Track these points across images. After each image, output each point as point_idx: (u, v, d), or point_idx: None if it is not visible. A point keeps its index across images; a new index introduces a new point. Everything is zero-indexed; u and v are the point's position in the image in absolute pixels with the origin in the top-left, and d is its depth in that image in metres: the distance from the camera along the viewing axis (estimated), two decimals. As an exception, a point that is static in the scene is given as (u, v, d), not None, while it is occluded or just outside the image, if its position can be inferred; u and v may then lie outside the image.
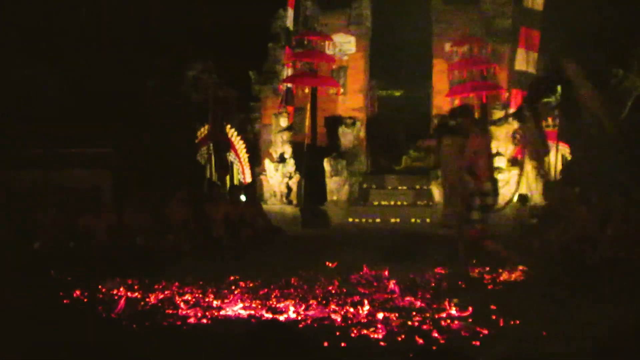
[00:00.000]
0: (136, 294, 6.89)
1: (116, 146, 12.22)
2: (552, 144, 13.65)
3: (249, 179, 15.23)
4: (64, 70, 13.64)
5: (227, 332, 5.37)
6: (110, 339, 5.27)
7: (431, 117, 16.48)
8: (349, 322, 5.65)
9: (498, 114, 14.61)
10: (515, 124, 14.34)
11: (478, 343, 4.96)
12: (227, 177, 14.73)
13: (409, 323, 5.56)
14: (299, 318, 5.84)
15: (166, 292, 6.93)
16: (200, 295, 6.76)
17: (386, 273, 7.79)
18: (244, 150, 15.60)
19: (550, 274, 7.79)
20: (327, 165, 15.15)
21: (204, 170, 14.27)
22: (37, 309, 6.11)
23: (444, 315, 5.82)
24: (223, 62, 15.48)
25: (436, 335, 5.19)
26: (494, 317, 5.62)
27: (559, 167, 13.44)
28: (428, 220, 14.28)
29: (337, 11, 17.09)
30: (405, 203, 15.32)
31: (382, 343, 5.03)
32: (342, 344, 4.96)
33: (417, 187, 15.48)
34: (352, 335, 5.23)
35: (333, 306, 6.21)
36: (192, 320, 5.80)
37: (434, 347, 4.75)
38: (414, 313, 5.89)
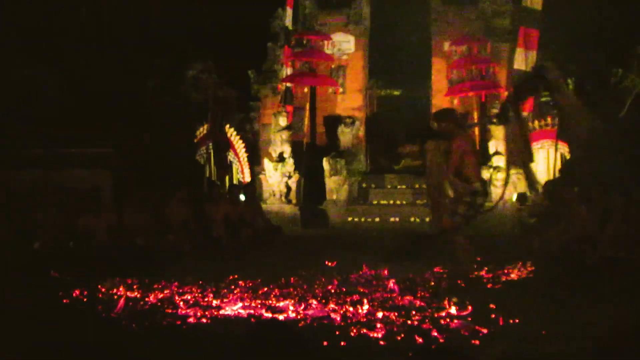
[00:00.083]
0: (136, 293, 6.89)
1: (116, 146, 12.22)
2: (552, 143, 13.67)
3: (248, 179, 15.21)
4: (64, 70, 13.65)
5: (227, 332, 5.37)
6: (110, 339, 5.28)
7: (430, 116, 16.48)
8: (349, 321, 5.66)
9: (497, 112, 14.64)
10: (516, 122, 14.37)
11: (478, 342, 4.97)
12: (227, 177, 14.73)
13: (409, 322, 5.57)
14: (299, 317, 5.85)
15: (166, 292, 6.93)
16: (200, 295, 6.76)
17: (385, 272, 7.79)
18: (243, 150, 15.59)
19: (550, 274, 7.80)
20: (326, 164, 15.15)
21: (203, 170, 14.27)
22: (37, 309, 6.10)
23: (443, 314, 5.83)
24: (222, 62, 15.47)
25: (436, 334, 5.19)
26: (493, 316, 5.63)
27: (559, 166, 13.45)
28: (427, 219, 14.28)
29: (336, 10, 17.08)
30: (404, 202, 15.32)
31: (381, 342, 5.04)
32: (342, 343, 4.97)
33: (417, 186, 15.47)
34: (352, 334, 5.23)
35: (332, 305, 6.22)
36: (191, 319, 5.81)
37: (433, 346, 4.75)
38: (414, 312, 5.89)
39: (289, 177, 14.82)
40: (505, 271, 8.02)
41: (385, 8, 17.30)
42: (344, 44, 17.05)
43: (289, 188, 14.83)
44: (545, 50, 14.65)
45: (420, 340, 5.04)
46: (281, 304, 6.34)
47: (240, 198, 11.35)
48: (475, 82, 15.50)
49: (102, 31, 13.97)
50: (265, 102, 16.74)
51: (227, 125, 15.11)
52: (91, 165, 11.79)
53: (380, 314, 5.84)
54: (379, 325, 5.44)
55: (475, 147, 7.68)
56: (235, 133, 15.45)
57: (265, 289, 7.03)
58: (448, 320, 5.62)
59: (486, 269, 8.05)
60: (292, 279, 7.57)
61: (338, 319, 5.75)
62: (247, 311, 6.10)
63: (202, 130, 14.62)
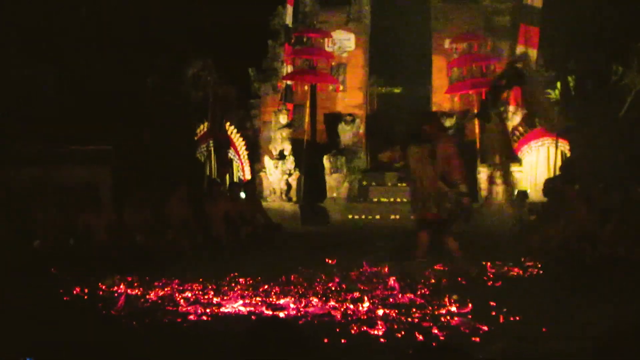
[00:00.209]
0: (136, 291, 6.90)
1: (116, 146, 12.23)
2: (552, 141, 13.67)
3: (248, 176, 15.22)
4: (64, 70, 13.65)
5: (227, 329, 5.38)
6: (110, 337, 5.28)
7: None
8: (349, 318, 5.67)
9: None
10: (515, 120, 14.36)
11: (478, 340, 4.98)
12: (227, 175, 14.73)
13: (409, 320, 5.57)
14: (299, 315, 5.85)
15: (166, 290, 6.94)
16: (200, 293, 6.77)
17: (386, 270, 7.79)
18: (244, 148, 15.59)
19: (550, 272, 7.81)
20: (326, 162, 15.15)
21: (203, 169, 14.27)
22: (37, 308, 6.10)
23: (443, 311, 5.83)
24: (223, 60, 15.47)
25: (436, 331, 5.20)
26: (493, 314, 5.63)
27: (559, 164, 13.46)
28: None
29: (336, 8, 17.07)
30: (405, 200, 15.28)
31: (381, 340, 5.05)
32: (342, 341, 4.98)
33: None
34: (352, 332, 5.24)
35: (333, 303, 6.22)
36: (192, 317, 5.81)
37: (434, 344, 4.76)
38: (414, 310, 5.90)
39: (290, 174, 14.83)
40: (505, 269, 8.02)
41: (386, 5, 17.29)
42: (344, 42, 17.04)
43: (289, 186, 14.83)
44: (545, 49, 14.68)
45: (421, 337, 5.05)
46: (282, 301, 6.35)
47: (240, 196, 11.35)
48: (475, 80, 15.48)
49: (102, 31, 13.97)
50: (266, 100, 16.73)
51: (228, 123, 15.11)
52: (91, 163, 11.78)
53: (380, 312, 5.84)
54: (379, 322, 5.45)
55: (458, 151, 7.74)
56: (235, 131, 15.45)
57: (266, 286, 7.04)
58: (448, 317, 5.63)
59: (486, 266, 8.05)
60: (292, 276, 7.57)
61: (338, 316, 5.76)
62: (248, 309, 6.11)
63: (203, 128, 14.62)
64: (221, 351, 4.69)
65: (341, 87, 16.81)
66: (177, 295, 6.68)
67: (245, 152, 15.57)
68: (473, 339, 5.00)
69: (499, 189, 13.85)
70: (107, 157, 12.16)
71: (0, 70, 13.06)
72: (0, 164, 11.19)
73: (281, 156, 14.89)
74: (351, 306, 6.07)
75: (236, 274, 7.64)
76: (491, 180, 13.88)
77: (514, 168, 14.10)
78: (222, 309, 6.10)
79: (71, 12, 14.09)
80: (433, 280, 7.38)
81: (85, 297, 6.76)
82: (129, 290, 6.89)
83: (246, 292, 6.77)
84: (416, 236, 7.61)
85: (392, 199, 15.42)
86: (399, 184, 15.83)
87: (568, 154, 13.77)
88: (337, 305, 6.15)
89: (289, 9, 16.02)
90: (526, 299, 6.36)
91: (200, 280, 7.32)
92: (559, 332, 5.11)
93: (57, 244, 8.97)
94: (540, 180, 13.07)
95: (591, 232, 8.40)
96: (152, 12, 14.25)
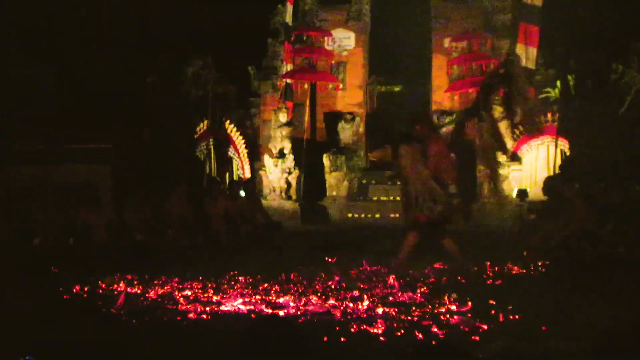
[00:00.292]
0: (136, 289, 6.90)
1: (116, 145, 12.24)
2: (552, 139, 13.68)
3: (248, 175, 15.22)
4: (64, 70, 13.65)
5: (227, 328, 5.38)
6: (110, 335, 5.28)
7: (431, 113, 16.47)
8: (349, 317, 5.67)
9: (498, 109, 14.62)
10: (516, 119, 14.37)
11: (477, 338, 4.98)
12: (227, 173, 14.74)
13: (409, 318, 5.57)
14: (299, 313, 5.85)
15: (166, 288, 6.94)
16: (200, 291, 6.77)
17: (385, 268, 7.79)
18: (243, 146, 15.59)
19: (550, 271, 7.81)
20: (326, 160, 15.16)
21: (203, 167, 14.28)
22: (37, 308, 6.10)
23: (443, 310, 5.83)
24: (222, 58, 15.47)
25: (436, 330, 5.20)
26: (493, 313, 5.63)
27: (559, 162, 13.46)
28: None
29: (336, 6, 17.07)
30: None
31: (381, 338, 5.04)
32: (342, 339, 4.98)
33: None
34: (352, 330, 5.24)
35: (332, 301, 6.22)
36: (192, 315, 5.81)
37: (434, 342, 4.76)
38: (414, 308, 5.90)
39: (289, 173, 14.83)
40: (505, 267, 8.02)
41: (385, 4, 17.29)
42: (344, 40, 17.04)
43: (289, 184, 14.83)
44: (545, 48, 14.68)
45: (420, 336, 5.05)
46: (281, 299, 6.34)
47: (240, 194, 11.35)
48: (475, 79, 15.48)
49: (102, 31, 13.97)
50: (266, 99, 16.74)
51: (227, 122, 15.11)
52: (90, 162, 11.78)
53: (380, 310, 5.84)
54: (379, 321, 5.44)
55: (449, 151, 7.75)
56: (235, 129, 15.45)
57: (265, 284, 7.03)
58: (448, 316, 5.63)
59: (486, 265, 8.05)
60: (292, 274, 7.57)
61: (338, 314, 5.76)
62: (247, 307, 6.11)
63: (202, 126, 14.63)
64: (221, 350, 4.69)
65: (341, 86, 16.81)
66: (176, 293, 6.68)
67: (245, 151, 15.57)
68: (473, 337, 5.00)
69: (502, 187, 13.88)
70: (107, 156, 12.16)
71: (0, 70, 13.06)
72: (0, 164, 11.20)
73: (281, 155, 14.89)
74: (351, 304, 6.07)
75: (236, 272, 7.64)
76: (490, 179, 13.89)
77: (514, 167, 14.10)
78: (222, 308, 6.10)
79: (71, 12, 14.09)
80: (433, 279, 7.39)
81: (85, 295, 6.76)
82: (128, 289, 6.88)
83: (246, 291, 6.76)
84: (404, 236, 7.59)
85: (391, 198, 15.41)
86: (398, 183, 15.80)
87: (568, 153, 13.78)
88: (336, 303, 6.15)
89: (289, 7, 16.02)
90: (526, 298, 6.35)
91: (200, 278, 7.32)
92: (559, 331, 5.10)
93: (57, 243, 8.96)
94: (540, 179, 13.08)
95: (591, 231, 8.40)
96: (152, 12, 14.24)
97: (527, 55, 14.54)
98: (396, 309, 5.85)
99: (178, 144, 13.41)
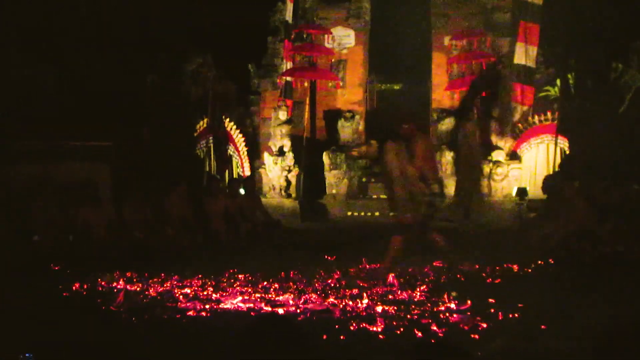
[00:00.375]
0: (135, 287, 6.90)
1: (116, 145, 12.24)
2: (552, 138, 13.68)
3: (248, 173, 15.21)
4: (63, 70, 13.65)
5: (227, 326, 5.38)
6: (110, 333, 5.28)
7: (430, 111, 16.47)
8: (348, 315, 5.67)
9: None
10: (516, 117, 14.37)
11: (477, 336, 4.98)
12: (227, 171, 14.73)
13: (408, 316, 5.57)
14: (298, 311, 5.86)
15: (165, 286, 6.94)
16: (200, 289, 6.77)
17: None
18: (243, 144, 15.58)
19: (549, 269, 7.81)
20: (326, 158, 15.14)
21: (203, 165, 14.27)
22: (37, 306, 6.09)
23: (442, 308, 5.84)
24: (222, 56, 15.46)
25: (435, 328, 5.20)
26: (492, 311, 5.64)
27: (558, 161, 13.46)
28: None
29: (336, 4, 17.04)
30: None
31: (380, 336, 5.05)
32: (341, 337, 4.98)
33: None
34: (351, 328, 5.24)
35: (332, 299, 6.23)
36: (191, 313, 5.81)
37: (433, 340, 4.76)
38: (413, 306, 5.90)
39: (289, 171, 14.82)
40: (505, 266, 8.02)
41: (386, 2, 17.27)
42: (344, 38, 17.01)
43: (288, 182, 14.83)
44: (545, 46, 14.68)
45: (420, 334, 5.05)
46: (281, 297, 6.35)
47: (239, 192, 11.35)
48: (475, 77, 15.47)
49: (102, 31, 13.97)
50: (265, 96, 16.72)
51: (227, 120, 15.10)
52: (90, 160, 11.78)
53: (379, 308, 5.84)
54: (378, 319, 5.45)
55: (433, 151, 7.76)
56: (235, 127, 15.44)
57: (265, 282, 7.04)
58: (447, 314, 5.63)
59: (486, 264, 8.05)
60: (291, 272, 7.57)
61: (337, 313, 5.76)
62: (247, 305, 6.11)
63: (202, 124, 14.62)
64: (220, 347, 4.69)
65: (341, 84, 16.79)
66: (176, 291, 6.68)
67: (245, 149, 15.56)
68: (472, 336, 5.00)
69: (498, 187, 13.89)
70: (106, 153, 12.15)
71: (0, 70, 13.05)
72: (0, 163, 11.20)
73: (281, 152, 14.89)
74: (350, 303, 6.08)
75: (235, 270, 7.64)
76: (490, 178, 13.89)
77: (514, 165, 14.10)
78: (222, 306, 6.10)
79: (71, 12, 14.08)
80: (432, 277, 7.39)
81: (85, 293, 6.75)
82: (128, 287, 6.88)
83: (245, 289, 6.77)
84: (390, 240, 7.56)
85: (391, 196, 15.39)
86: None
87: (567, 151, 13.78)
88: (336, 301, 6.15)
89: (289, 5, 16.00)
90: (525, 296, 6.36)
91: (200, 276, 7.32)
92: (559, 330, 5.10)
93: (57, 241, 8.96)
94: (539, 177, 13.07)
95: (591, 230, 8.41)
96: (152, 12, 14.23)
97: (527, 53, 14.52)
98: (395, 307, 5.86)
99: (178, 143, 13.40)
